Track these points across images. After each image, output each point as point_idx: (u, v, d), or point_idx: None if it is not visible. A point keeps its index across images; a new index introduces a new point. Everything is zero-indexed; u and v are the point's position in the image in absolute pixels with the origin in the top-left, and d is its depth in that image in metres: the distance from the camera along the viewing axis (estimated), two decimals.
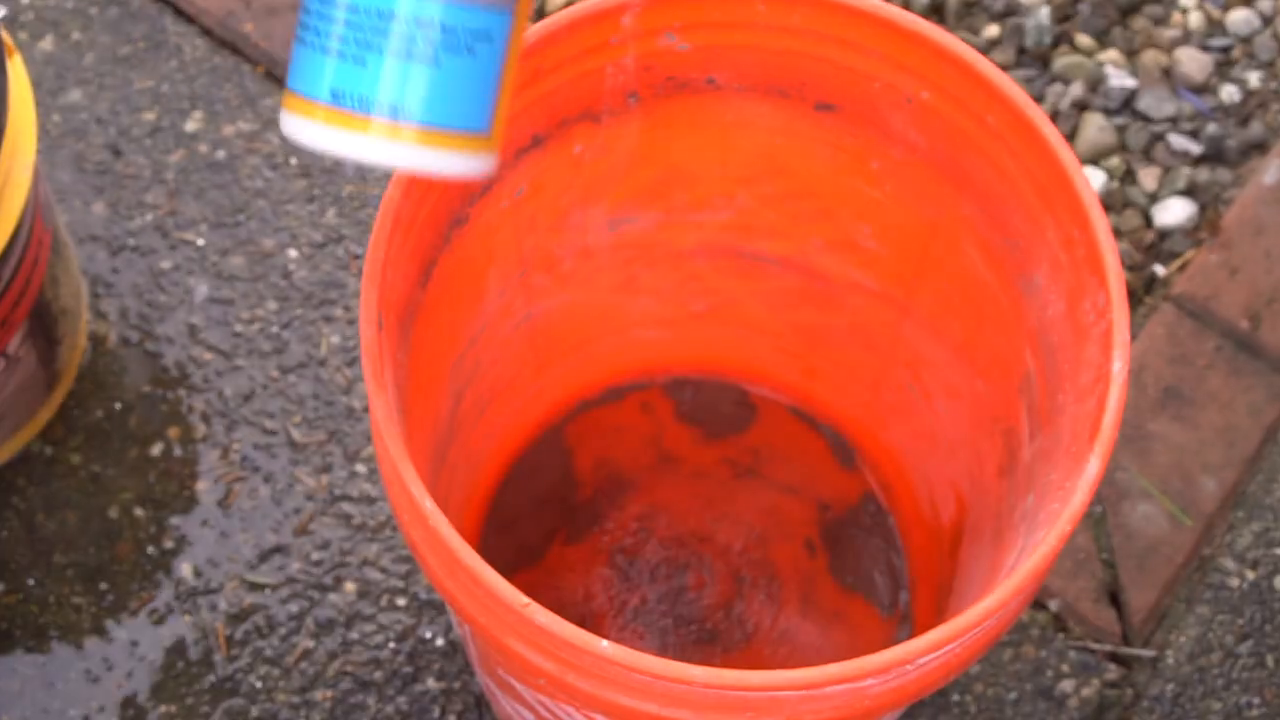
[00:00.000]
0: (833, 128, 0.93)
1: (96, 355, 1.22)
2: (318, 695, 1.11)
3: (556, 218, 0.98)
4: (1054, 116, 1.33)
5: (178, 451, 1.19)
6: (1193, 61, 1.35)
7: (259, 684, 1.11)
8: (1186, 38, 1.37)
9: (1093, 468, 0.74)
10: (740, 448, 1.16)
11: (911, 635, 1.10)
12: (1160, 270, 1.27)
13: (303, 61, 0.64)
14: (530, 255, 0.99)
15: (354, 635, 1.12)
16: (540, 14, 1.37)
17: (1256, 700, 1.12)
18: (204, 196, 1.28)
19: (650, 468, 1.15)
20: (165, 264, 1.25)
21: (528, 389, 1.12)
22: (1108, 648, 1.13)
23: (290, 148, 1.30)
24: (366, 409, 1.20)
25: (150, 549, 1.15)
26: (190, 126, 1.31)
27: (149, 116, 1.31)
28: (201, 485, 1.18)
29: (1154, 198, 1.30)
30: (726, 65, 0.91)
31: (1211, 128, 1.32)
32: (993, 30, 1.37)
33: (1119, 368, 0.76)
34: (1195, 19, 1.38)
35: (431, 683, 1.12)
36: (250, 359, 1.22)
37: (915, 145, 0.91)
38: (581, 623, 1.09)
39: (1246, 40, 1.38)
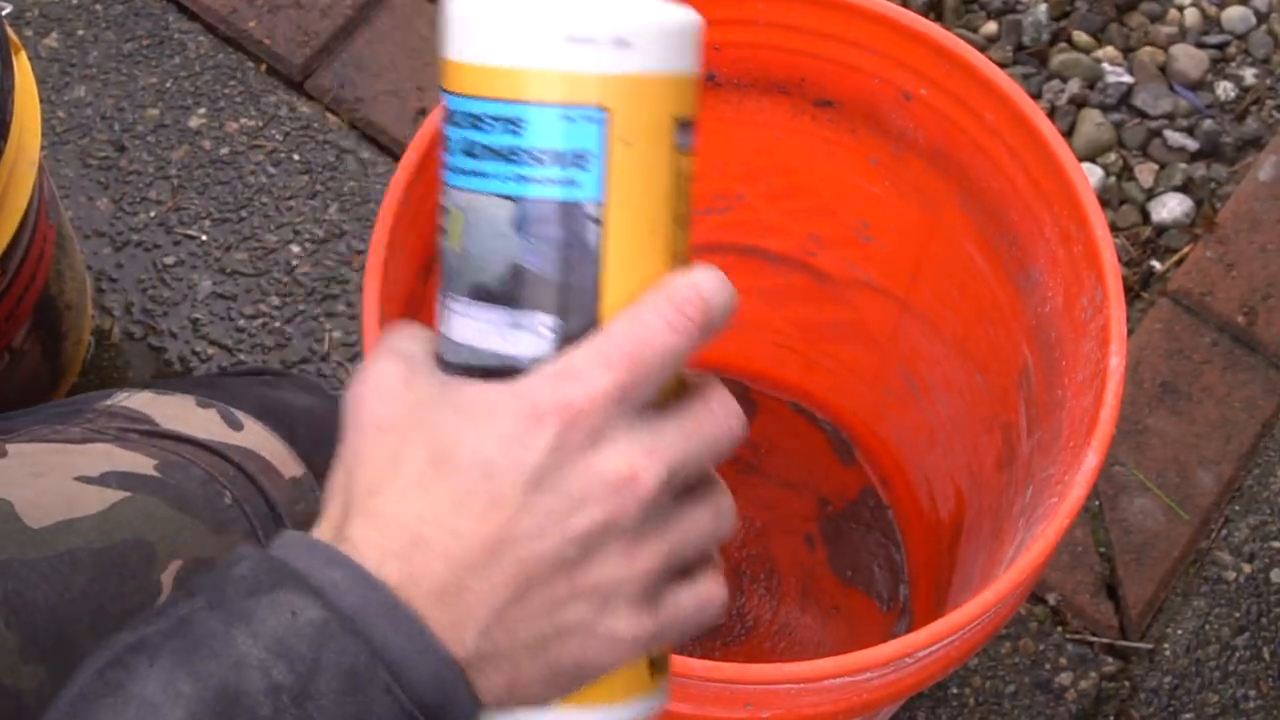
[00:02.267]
0: (832, 124, 0.94)
1: (101, 350, 1.23)
2: None
3: None
4: (1051, 113, 1.33)
5: None
6: (1189, 58, 1.36)
7: None
8: (1182, 34, 1.38)
9: (1090, 462, 0.74)
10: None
11: (910, 629, 1.10)
12: (1157, 266, 1.28)
13: None
14: None
15: None
16: None
17: (1253, 693, 1.13)
18: (207, 192, 1.28)
19: None
20: (169, 259, 1.26)
21: None
22: (1105, 641, 1.14)
23: (293, 144, 1.30)
24: None
25: None
26: (194, 123, 1.31)
27: (153, 113, 1.32)
28: None
29: (1151, 194, 1.31)
30: (726, 63, 0.91)
31: (1207, 124, 1.33)
32: (990, 27, 1.38)
33: (1116, 363, 0.76)
34: (1191, 16, 1.39)
35: None
36: (254, 354, 1.22)
37: (914, 142, 0.91)
38: None
39: (1242, 37, 1.38)
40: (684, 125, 0.57)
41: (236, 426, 0.92)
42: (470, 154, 0.55)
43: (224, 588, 0.52)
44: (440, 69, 0.56)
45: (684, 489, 0.56)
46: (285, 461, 0.91)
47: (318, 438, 0.95)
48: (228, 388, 0.97)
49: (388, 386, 0.55)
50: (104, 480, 0.83)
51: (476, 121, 0.55)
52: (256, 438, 0.92)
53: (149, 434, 0.89)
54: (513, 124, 0.54)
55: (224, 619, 0.51)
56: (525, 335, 0.55)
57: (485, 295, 0.56)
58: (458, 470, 0.52)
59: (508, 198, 0.54)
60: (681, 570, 0.56)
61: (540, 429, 0.52)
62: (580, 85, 0.54)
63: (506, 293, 0.55)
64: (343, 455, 0.55)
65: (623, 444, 0.53)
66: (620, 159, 0.55)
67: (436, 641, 0.52)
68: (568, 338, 0.55)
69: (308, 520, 0.89)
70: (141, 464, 0.85)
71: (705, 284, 0.56)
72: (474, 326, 0.56)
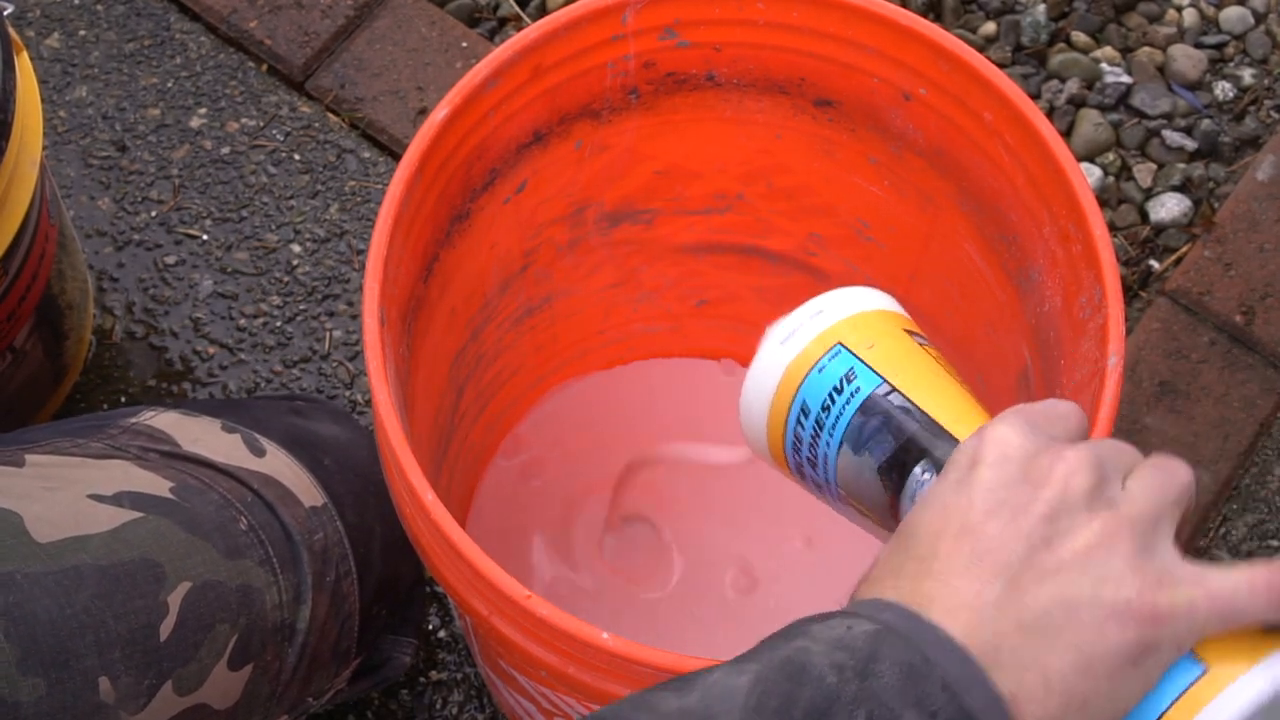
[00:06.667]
0: (832, 124, 0.94)
1: (102, 349, 1.23)
2: None
3: (557, 213, 0.99)
4: (1050, 113, 1.33)
5: None
6: (1187, 58, 1.36)
7: None
8: (1181, 35, 1.38)
9: None
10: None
11: None
12: (1155, 265, 1.28)
13: None
14: (531, 251, 1.00)
15: None
16: (542, 11, 1.38)
17: None
18: (208, 192, 1.29)
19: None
20: (170, 259, 1.26)
21: (528, 384, 1.13)
22: None
23: (294, 144, 1.31)
24: (369, 403, 1.20)
25: None
26: (195, 123, 1.32)
27: (154, 113, 1.32)
28: None
29: (1149, 193, 1.31)
30: (726, 62, 0.92)
31: (1206, 124, 1.33)
32: (989, 28, 1.38)
33: (1114, 362, 0.77)
34: (1189, 16, 1.39)
35: (433, 674, 1.12)
36: (254, 353, 1.23)
37: (913, 142, 0.91)
38: None
39: (1240, 37, 1.38)
40: (911, 333, 0.75)
41: (259, 453, 0.92)
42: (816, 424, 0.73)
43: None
44: None
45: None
46: (306, 490, 0.91)
47: (343, 468, 0.95)
48: (256, 413, 0.97)
49: None
50: (117, 500, 0.83)
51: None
52: (278, 464, 0.92)
53: (169, 455, 0.89)
54: (805, 410, 0.73)
55: (780, 636, 0.59)
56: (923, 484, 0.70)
57: (886, 471, 0.70)
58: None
59: (841, 443, 0.71)
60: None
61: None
62: (810, 349, 0.74)
63: (901, 466, 0.70)
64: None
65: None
66: (872, 356, 0.72)
67: (984, 674, 0.56)
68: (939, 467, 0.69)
69: (323, 550, 0.90)
70: (157, 485, 0.85)
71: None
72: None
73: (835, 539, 1.12)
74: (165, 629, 0.80)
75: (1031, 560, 0.58)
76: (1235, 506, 1.19)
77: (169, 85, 1.33)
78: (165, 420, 0.93)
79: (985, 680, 0.56)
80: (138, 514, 0.82)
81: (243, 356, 1.22)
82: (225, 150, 1.30)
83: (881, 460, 0.69)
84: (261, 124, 1.32)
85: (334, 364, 1.22)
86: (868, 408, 0.70)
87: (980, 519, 0.59)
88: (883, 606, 0.58)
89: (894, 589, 0.59)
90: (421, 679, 1.12)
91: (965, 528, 0.59)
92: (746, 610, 1.10)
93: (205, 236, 1.27)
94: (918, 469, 0.66)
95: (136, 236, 1.27)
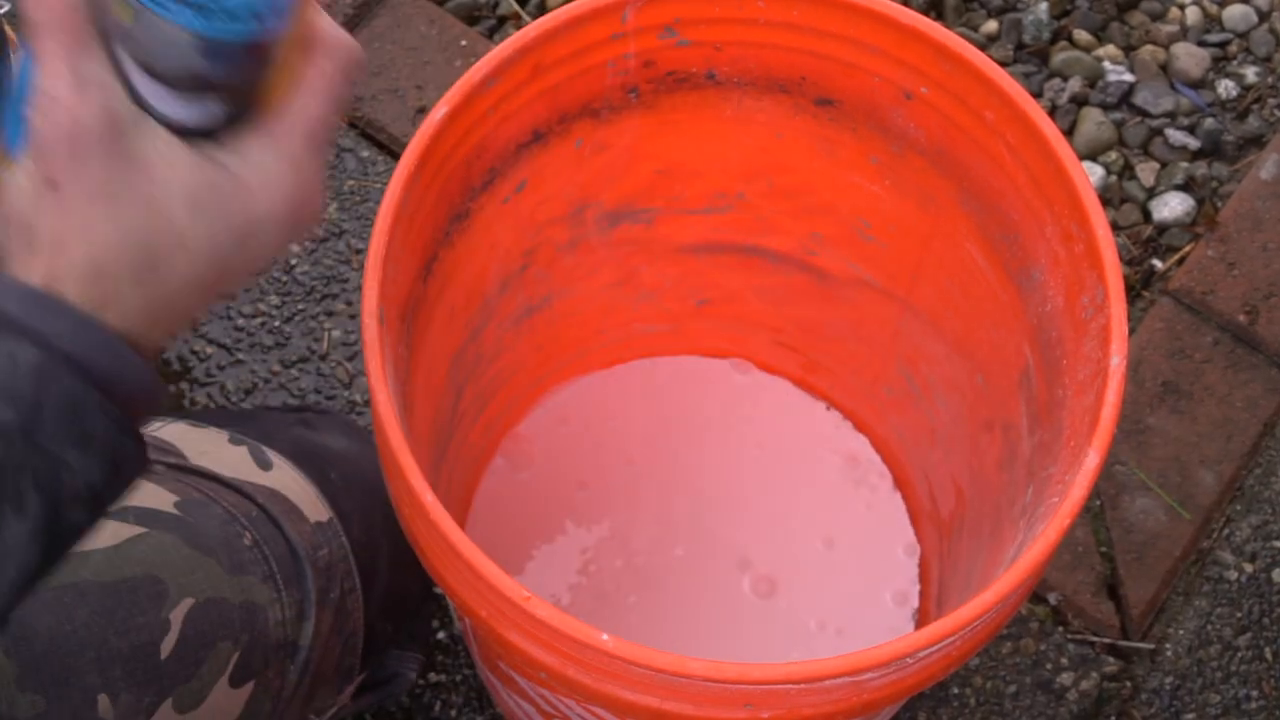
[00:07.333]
0: (833, 123, 0.93)
1: None
2: None
3: (557, 212, 0.98)
4: (1052, 112, 1.33)
5: None
6: (1190, 57, 1.36)
7: None
8: (1184, 33, 1.38)
9: (1091, 461, 0.74)
10: None
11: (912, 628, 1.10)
12: (1158, 265, 1.27)
13: None
14: (531, 250, 0.99)
15: None
16: (541, 10, 1.37)
17: (1255, 693, 1.13)
18: None
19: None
20: None
21: (528, 384, 1.12)
22: (1107, 641, 1.13)
23: None
24: (368, 403, 1.20)
25: None
26: None
27: None
28: None
29: (1152, 192, 1.30)
30: (727, 61, 0.91)
31: (1209, 123, 1.33)
32: (991, 26, 1.38)
33: (1117, 362, 0.76)
34: (1192, 14, 1.39)
35: (433, 676, 1.12)
36: (252, 353, 1.22)
37: (915, 141, 0.91)
38: None
39: (1243, 35, 1.38)
40: None
41: (266, 466, 0.91)
42: None
43: None
44: None
45: None
46: (312, 505, 0.91)
47: (350, 483, 0.94)
48: (263, 425, 0.96)
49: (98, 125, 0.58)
50: (121, 515, 0.82)
51: None
52: (285, 478, 0.91)
53: (176, 468, 0.88)
54: None
55: None
56: (195, 110, 0.59)
57: (154, 75, 0.58)
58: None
59: (196, 34, 0.56)
60: None
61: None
62: None
63: (179, 83, 0.58)
64: (48, 168, 0.58)
65: None
66: None
67: (131, 351, 0.58)
68: (235, 116, 0.60)
69: (328, 566, 0.88)
70: (163, 500, 0.84)
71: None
72: (146, 86, 0.59)
73: (856, 539, 1.11)
74: (166, 646, 0.80)
75: None
76: (1239, 507, 1.18)
77: None
78: (173, 431, 0.92)
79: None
80: (141, 529, 0.82)
81: (240, 356, 1.22)
82: None
83: (211, 78, 0.58)
84: None
85: (332, 364, 1.22)
86: (260, 47, 0.58)
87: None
88: (53, 310, 0.57)
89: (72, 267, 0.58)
90: (421, 681, 1.11)
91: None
92: (768, 614, 1.09)
93: None
94: (219, 104, 0.59)
95: None
